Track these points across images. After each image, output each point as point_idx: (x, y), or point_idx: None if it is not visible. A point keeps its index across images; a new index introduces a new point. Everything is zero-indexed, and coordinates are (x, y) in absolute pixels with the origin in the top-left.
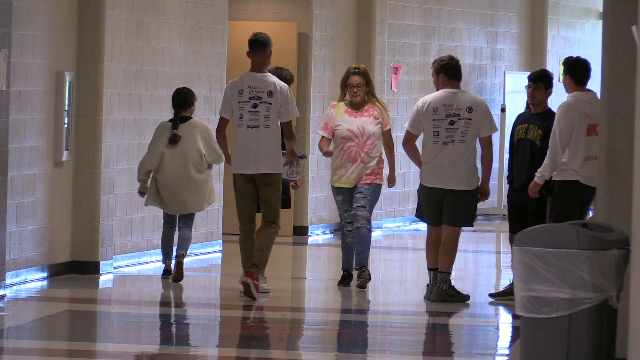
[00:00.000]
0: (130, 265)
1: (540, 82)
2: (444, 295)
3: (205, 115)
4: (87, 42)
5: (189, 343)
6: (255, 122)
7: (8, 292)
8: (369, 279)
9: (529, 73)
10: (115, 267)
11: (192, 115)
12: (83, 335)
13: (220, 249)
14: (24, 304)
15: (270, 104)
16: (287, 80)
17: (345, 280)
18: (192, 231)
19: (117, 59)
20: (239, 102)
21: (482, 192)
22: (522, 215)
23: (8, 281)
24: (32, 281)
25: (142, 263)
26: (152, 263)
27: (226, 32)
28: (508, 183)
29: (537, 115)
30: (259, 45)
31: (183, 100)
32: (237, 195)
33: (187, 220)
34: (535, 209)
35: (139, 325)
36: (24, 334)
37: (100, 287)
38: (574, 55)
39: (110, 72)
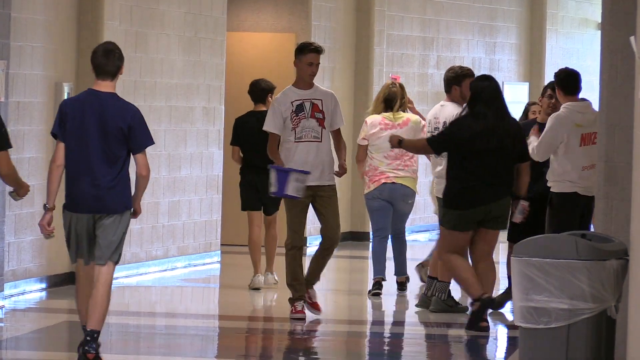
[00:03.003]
0: (128, 276)
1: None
2: (443, 305)
3: (204, 127)
4: (86, 53)
5: (187, 354)
6: None
7: (7, 303)
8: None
9: (527, 83)
10: (114, 278)
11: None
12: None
13: (219, 259)
14: (22, 315)
15: None
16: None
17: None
18: (193, 240)
19: None
20: None
21: None
22: (525, 225)
23: (7, 292)
24: (31, 292)
25: (140, 274)
26: (151, 274)
27: (225, 43)
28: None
29: (543, 125)
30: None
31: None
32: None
33: None
34: (532, 220)
35: (138, 336)
36: (23, 345)
37: None
38: (563, 67)
39: None
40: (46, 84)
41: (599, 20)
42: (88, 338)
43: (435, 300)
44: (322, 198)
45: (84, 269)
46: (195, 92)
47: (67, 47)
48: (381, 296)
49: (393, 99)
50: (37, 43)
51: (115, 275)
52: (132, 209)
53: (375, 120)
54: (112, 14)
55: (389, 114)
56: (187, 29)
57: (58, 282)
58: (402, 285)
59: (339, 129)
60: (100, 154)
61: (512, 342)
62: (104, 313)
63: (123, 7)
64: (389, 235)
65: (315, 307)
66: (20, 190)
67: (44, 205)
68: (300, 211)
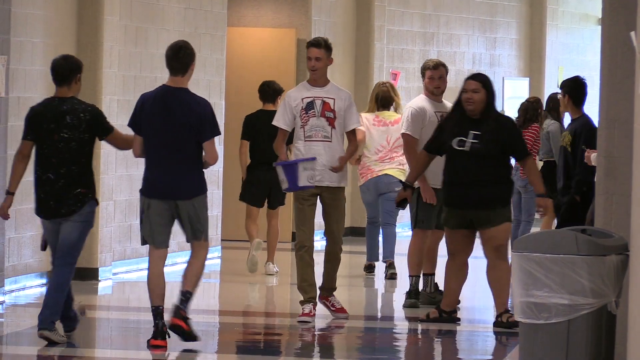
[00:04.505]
0: (129, 271)
1: (561, 89)
2: (427, 298)
3: None
4: (86, 48)
5: (187, 349)
6: None
7: (7, 299)
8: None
9: (527, 79)
10: (114, 274)
11: None
12: (82, 341)
13: (219, 255)
14: (22, 310)
15: None
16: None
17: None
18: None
19: (115, 65)
20: None
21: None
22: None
23: (7, 287)
24: (31, 287)
25: (141, 269)
26: None
27: (225, 39)
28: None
29: (572, 121)
30: None
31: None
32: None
33: None
34: (566, 214)
35: (138, 331)
36: (23, 341)
37: (99, 293)
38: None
39: (109, 78)
40: (46, 79)
41: (599, 16)
42: (183, 298)
43: (421, 293)
44: (329, 200)
45: (155, 252)
46: (195, 87)
47: (67, 43)
48: (374, 279)
49: (386, 98)
50: (37, 38)
51: (115, 271)
52: (205, 192)
53: (369, 117)
54: (112, 9)
55: (382, 112)
56: (187, 24)
57: None
58: (390, 266)
59: (353, 130)
60: (175, 144)
61: (512, 337)
62: (199, 279)
63: (123, 2)
64: (380, 224)
65: (339, 311)
66: None
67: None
68: (309, 207)
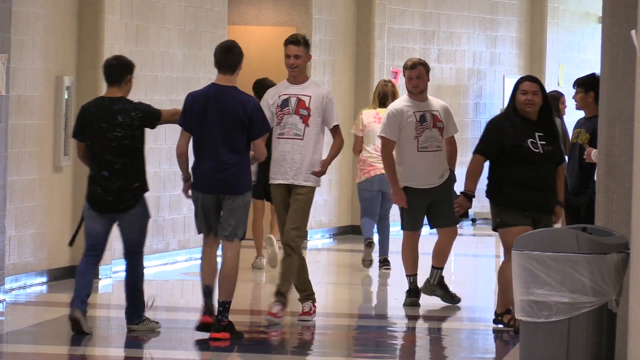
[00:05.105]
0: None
1: (579, 87)
2: (428, 289)
3: None
4: (87, 46)
5: (188, 348)
6: None
7: (7, 297)
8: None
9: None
10: (114, 272)
11: None
12: (82, 340)
13: (219, 252)
14: (23, 308)
15: None
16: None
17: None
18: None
19: None
20: None
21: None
22: (577, 216)
23: (7, 286)
24: (32, 286)
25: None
26: (151, 267)
27: (226, 37)
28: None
29: (587, 119)
30: None
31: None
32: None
33: None
34: (589, 210)
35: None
36: (24, 339)
37: (99, 291)
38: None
39: None
40: (47, 77)
41: (600, 14)
42: (220, 309)
43: (424, 284)
44: (294, 197)
45: (208, 242)
46: (195, 85)
47: (67, 41)
48: (370, 269)
49: (385, 96)
50: (37, 36)
51: (115, 269)
52: (251, 190)
53: (370, 113)
54: (112, 7)
55: (382, 110)
56: (187, 22)
57: (59, 276)
58: (385, 262)
59: (334, 127)
60: (224, 142)
61: (513, 335)
62: (233, 285)
63: (123, 0)
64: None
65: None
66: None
67: (182, 178)
68: (282, 206)
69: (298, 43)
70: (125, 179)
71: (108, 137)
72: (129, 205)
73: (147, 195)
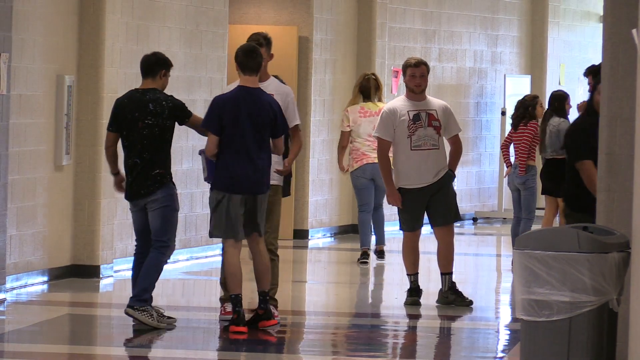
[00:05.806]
0: (130, 269)
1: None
2: (442, 298)
3: None
4: (88, 46)
5: (189, 347)
6: None
7: (8, 296)
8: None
9: (529, 76)
10: (115, 271)
11: None
12: (83, 339)
13: (221, 252)
14: (24, 307)
15: None
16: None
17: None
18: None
19: (117, 63)
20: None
21: None
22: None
23: (8, 285)
24: (33, 285)
25: None
26: None
27: (227, 36)
28: None
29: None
30: None
31: None
32: None
33: None
34: None
35: (139, 329)
36: (25, 338)
37: (100, 290)
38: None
39: (111, 76)
40: (48, 76)
41: (601, 13)
42: (261, 297)
43: (438, 295)
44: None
45: (233, 244)
46: (197, 85)
47: (68, 40)
48: (368, 265)
49: (367, 90)
50: (38, 36)
51: (117, 268)
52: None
53: (354, 109)
54: (113, 6)
55: (367, 104)
56: (188, 21)
57: (60, 275)
58: (380, 254)
59: (294, 127)
60: (255, 143)
61: (513, 334)
62: (269, 273)
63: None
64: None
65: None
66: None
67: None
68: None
69: (259, 44)
70: (149, 166)
71: (140, 125)
72: (150, 191)
73: None
